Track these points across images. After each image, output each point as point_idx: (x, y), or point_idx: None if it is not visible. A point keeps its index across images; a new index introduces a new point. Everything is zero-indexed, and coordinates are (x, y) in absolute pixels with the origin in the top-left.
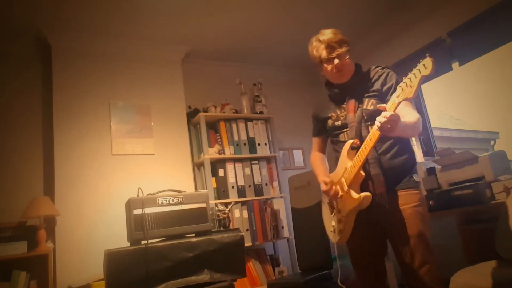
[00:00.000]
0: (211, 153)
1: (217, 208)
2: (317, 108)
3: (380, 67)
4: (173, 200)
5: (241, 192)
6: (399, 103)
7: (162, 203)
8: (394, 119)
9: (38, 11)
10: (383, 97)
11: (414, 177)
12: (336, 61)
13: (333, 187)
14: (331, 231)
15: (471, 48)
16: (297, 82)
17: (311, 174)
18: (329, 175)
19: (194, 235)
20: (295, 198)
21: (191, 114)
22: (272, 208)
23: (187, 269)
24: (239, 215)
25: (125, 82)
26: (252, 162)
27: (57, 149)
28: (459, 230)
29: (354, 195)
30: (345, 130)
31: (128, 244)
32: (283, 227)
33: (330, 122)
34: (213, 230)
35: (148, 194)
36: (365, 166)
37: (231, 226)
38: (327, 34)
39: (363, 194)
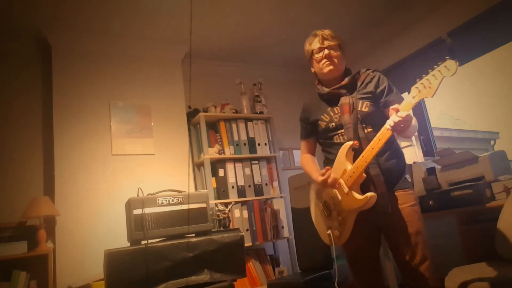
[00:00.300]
0: (211, 153)
1: (217, 208)
2: (305, 111)
3: (370, 70)
4: (173, 200)
5: (241, 192)
6: (415, 103)
7: (162, 203)
8: (408, 119)
9: (38, 11)
10: (376, 99)
11: (407, 177)
12: (326, 51)
13: (331, 174)
14: (328, 234)
15: (471, 48)
16: (297, 82)
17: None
18: None
19: (194, 235)
20: (295, 198)
21: (191, 114)
22: (272, 208)
23: (187, 269)
24: (239, 215)
25: (125, 82)
26: (252, 162)
27: (57, 149)
28: (459, 230)
29: (358, 196)
30: (339, 131)
31: (128, 244)
32: (283, 227)
33: (322, 124)
34: (213, 230)
35: (148, 194)
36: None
37: (231, 226)
38: (323, 30)
39: (369, 194)
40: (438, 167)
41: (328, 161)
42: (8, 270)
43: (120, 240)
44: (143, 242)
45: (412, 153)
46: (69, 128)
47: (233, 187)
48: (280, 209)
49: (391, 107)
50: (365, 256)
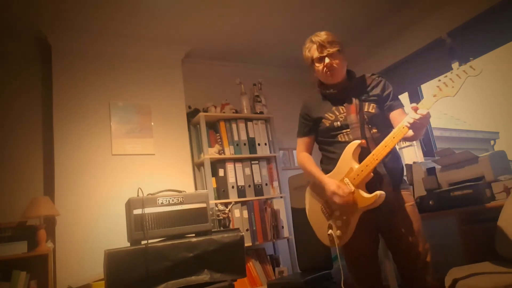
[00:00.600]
0: (211, 153)
1: (217, 208)
2: (305, 107)
3: (376, 75)
4: (173, 200)
5: (241, 192)
6: (435, 101)
7: (162, 203)
8: (427, 117)
9: (38, 11)
10: (382, 102)
11: (405, 178)
12: (327, 60)
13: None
14: (329, 234)
15: (471, 48)
16: (297, 82)
17: (307, 177)
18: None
19: (194, 235)
20: (295, 198)
21: (191, 114)
22: (272, 208)
23: (187, 269)
24: (239, 215)
25: (125, 82)
26: (252, 162)
27: (57, 149)
28: (459, 230)
29: (366, 194)
30: (344, 131)
31: (128, 244)
32: (283, 227)
33: (327, 122)
34: (213, 230)
35: (148, 194)
36: None
37: (231, 226)
38: (320, 35)
39: (378, 192)
40: (438, 167)
41: (328, 160)
42: (8, 270)
43: (120, 240)
44: (143, 242)
45: (412, 153)
46: (69, 128)
47: (233, 187)
48: (280, 209)
49: (410, 105)
50: (365, 256)
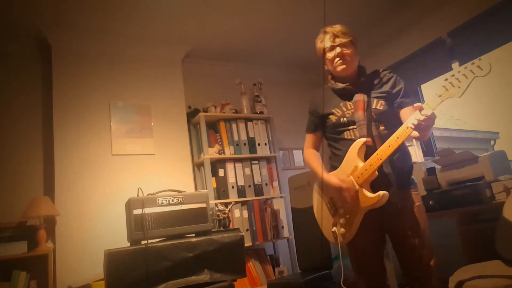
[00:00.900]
0: (211, 153)
1: (217, 208)
2: (314, 104)
3: (387, 71)
4: (173, 200)
5: (241, 192)
6: (441, 102)
7: (162, 203)
8: (433, 118)
9: (38, 11)
10: (391, 99)
11: (413, 178)
12: (338, 49)
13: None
14: (333, 231)
15: (471, 48)
16: (297, 82)
17: (311, 174)
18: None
19: (194, 235)
20: (295, 198)
21: (191, 114)
22: (272, 208)
23: (187, 269)
24: (239, 215)
25: (125, 82)
26: (252, 162)
27: (57, 149)
28: (459, 230)
29: (369, 194)
30: (351, 127)
31: (128, 244)
32: (283, 227)
33: (334, 118)
34: (213, 230)
35: (148, 194)
36: None
37: (231, 226)
38: (334, 26)
39: (381, 192)
40: (438, 167)
41: (335, 157)
42: (8, 270)
43: (120, 240)
44: (143, 242)
45: (412, 153)
46: (69, 128)
47: (233, 187)
48: (280, 209)
49: (414, 105)
50: (369, 255)
